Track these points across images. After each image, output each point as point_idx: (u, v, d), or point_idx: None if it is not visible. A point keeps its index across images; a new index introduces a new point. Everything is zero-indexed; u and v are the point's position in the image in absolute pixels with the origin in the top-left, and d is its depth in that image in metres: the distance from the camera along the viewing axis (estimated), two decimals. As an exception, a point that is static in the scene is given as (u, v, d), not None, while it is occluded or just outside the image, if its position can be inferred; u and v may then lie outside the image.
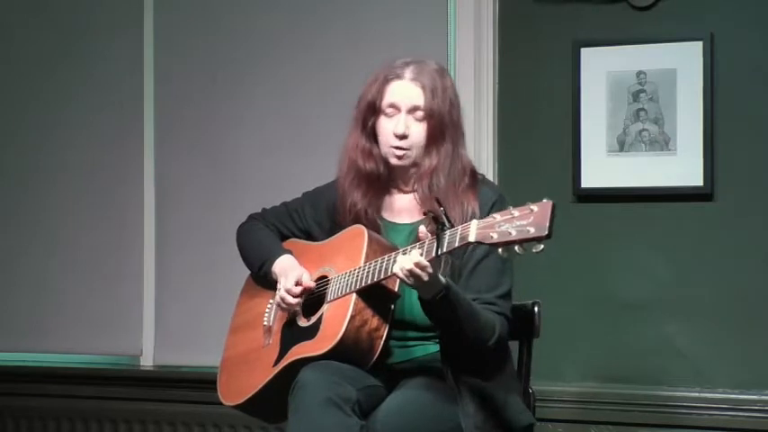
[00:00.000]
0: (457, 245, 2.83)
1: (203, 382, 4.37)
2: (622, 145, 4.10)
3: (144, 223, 4.75)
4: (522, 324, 3.27)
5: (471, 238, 2.80)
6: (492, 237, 2.76)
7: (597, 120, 4.11)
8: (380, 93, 3.15)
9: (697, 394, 4.02)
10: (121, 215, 4.78)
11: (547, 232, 2.69)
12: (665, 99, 4.05)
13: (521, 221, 2.73)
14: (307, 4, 4.55)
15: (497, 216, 2.78)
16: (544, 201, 2.74)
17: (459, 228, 2.84)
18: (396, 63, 3.18)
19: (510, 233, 2.73)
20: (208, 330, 4.46)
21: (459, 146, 3.17)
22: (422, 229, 2.91)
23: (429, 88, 3.12)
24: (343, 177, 3.23)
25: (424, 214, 2.95)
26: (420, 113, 3.13)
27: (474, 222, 2.82)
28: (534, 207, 2.74)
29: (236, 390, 3.28)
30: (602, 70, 4.11)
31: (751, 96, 4.00)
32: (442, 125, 3.13)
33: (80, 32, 4.84)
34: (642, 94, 4.08)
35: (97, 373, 4.78)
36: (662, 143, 4.06)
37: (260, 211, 3.43)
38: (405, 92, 3.13)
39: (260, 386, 3.19)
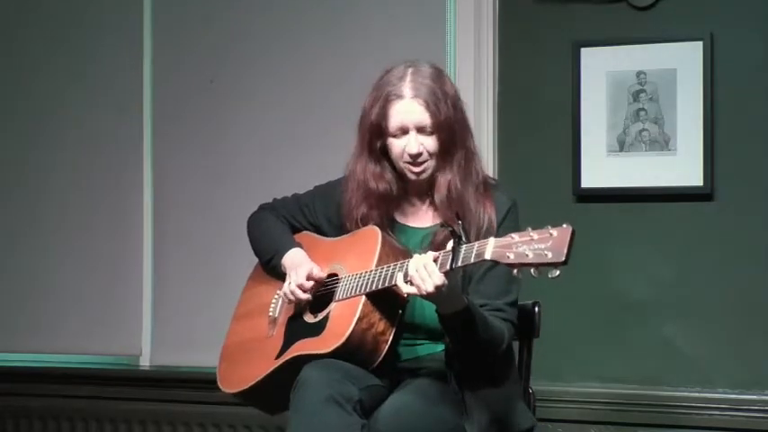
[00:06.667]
0: (472, 261, 2.80)
1: (202, 382, 4.37)
2: (622, 145, 4.10)
3: (143, 223, 4.75)
4: (522, 324, 3.25)
5: (487, 256, 2.76)
6: (508, 257, 2.72)
7: (597, 120, 4.11)
8: (384, 115, 3.09)
9: (697, 394, 4.02)
10: (120, 215, 4.78)
11: (564, 258, 2.64)
12: (665, 99, 4.05)
13: (539, 245, 2.68)
14: (305, 4, 4.55)
15: (515, 236, 2.74)
16: (564, 226, 2.69)
17: (476, 244, 2.80)
18: (393, 77, 3.11)
19: (527, 255, 2.69)
20: (206, 330, 4.45)
21: (471, 146, 3.14)
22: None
23: (431, 102, 3.06)
24: (351, 195, 3.18)
25: (441, 226, 2.95)
26: (429, 130, 3.08)
27: (491, 240, 2.78)
28: (554, 231, 2.69)
29: (236, 378, 3.26)
30: (602, 70, 4.11)
31: (751, 96, 4.00)
32: (452, 133, 3.09)
33: (78, 32, 4.83)
34: (642, 94, 4.07)
35: (96, 374, 4.78)
36: (662, 143, 4.06)
37: (270, 201, 3.40)
38: (409, 113, 3.07)
39: (260, 377, 3.18)
